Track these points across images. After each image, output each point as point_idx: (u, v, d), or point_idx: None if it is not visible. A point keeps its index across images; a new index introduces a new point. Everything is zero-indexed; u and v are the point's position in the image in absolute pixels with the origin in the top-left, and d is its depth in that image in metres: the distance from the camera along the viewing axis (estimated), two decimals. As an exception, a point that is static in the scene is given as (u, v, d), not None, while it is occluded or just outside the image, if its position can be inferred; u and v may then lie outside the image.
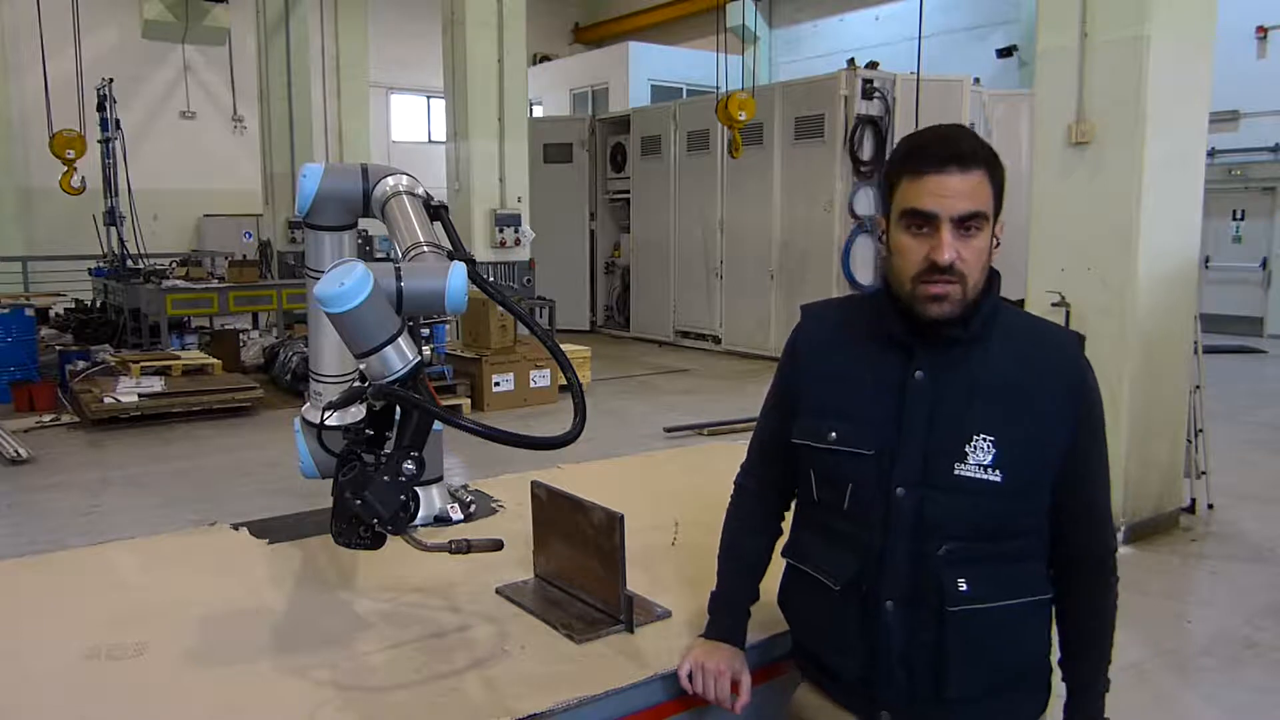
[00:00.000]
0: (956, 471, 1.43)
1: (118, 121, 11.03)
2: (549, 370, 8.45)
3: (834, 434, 1.51)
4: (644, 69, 16.05)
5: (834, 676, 1.57)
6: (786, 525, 1.70)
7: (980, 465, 1.42)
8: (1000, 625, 1.46)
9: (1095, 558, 1.55)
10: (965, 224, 1.41)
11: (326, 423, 1.61)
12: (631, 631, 1.67)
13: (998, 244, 1.48)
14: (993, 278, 1.50)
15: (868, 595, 1.49)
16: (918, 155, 1.43)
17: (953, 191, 1.39)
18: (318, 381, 2.12)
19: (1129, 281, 4.69)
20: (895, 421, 1.47)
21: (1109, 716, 1.55)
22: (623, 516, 1.66)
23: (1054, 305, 4.81)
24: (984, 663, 1.46)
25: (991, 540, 1.45)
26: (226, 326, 11.27)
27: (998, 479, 1.42)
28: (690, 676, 1.54)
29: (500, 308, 2.16)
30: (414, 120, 19.86)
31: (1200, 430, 5.29)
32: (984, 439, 1.43)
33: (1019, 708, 1.53)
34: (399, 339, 1.43)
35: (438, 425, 1.89)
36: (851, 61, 10.24)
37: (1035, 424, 1.45)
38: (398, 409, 1.47)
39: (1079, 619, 1.55)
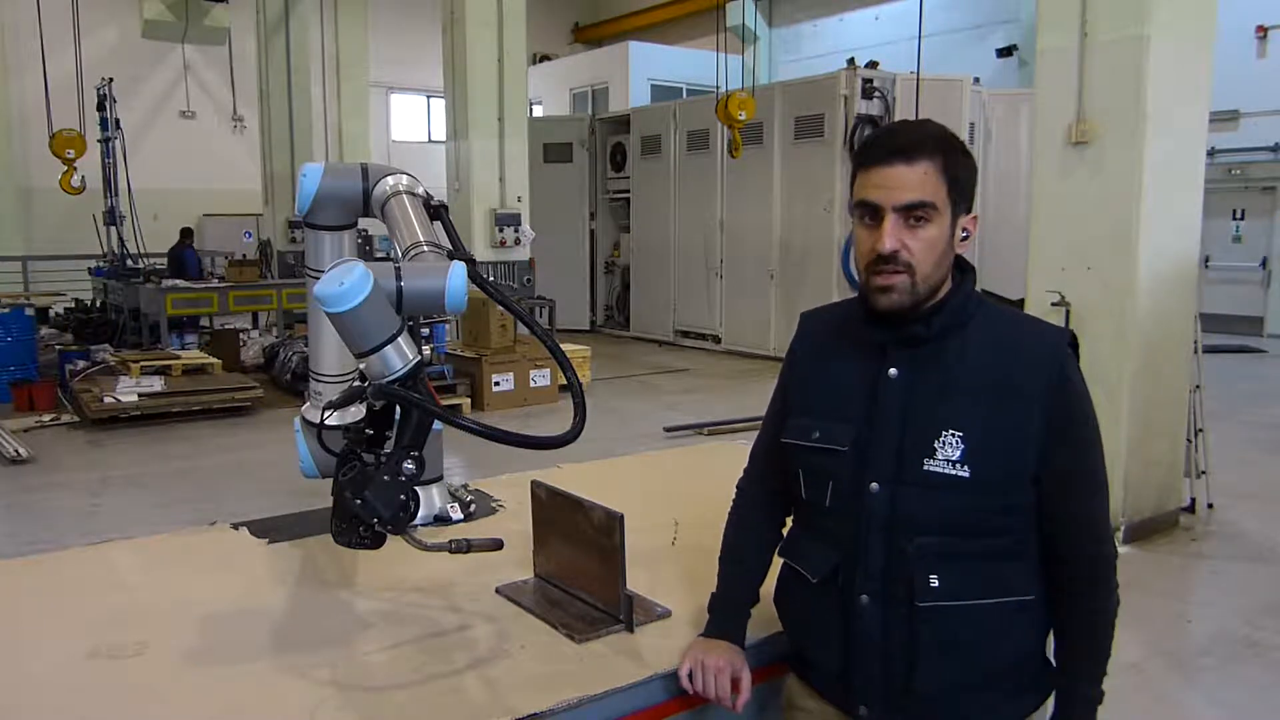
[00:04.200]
0: (926, 467, 1.44)
1: (118, 121, 11.04)
2: (549, 370, 8.46)
3: (817, 433, 1.54)
4: (644, 69, 16.05)
5: (816, 669, 1.60)
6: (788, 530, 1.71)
7: (949, 461, 1.43)
8: (976, 623, 1.45)
9: (1086, 560, 1.51)
10: (911, 214, 1.43)
11: (326, 422, 1.61)
12: (631, 631, 1.67)
13: (965, 236, 1.49)
14: (966, 273, 1.52)
15: (844, 589, 1.51)
16: (868, 149, 1.48)
17: (895, 182, 1.42)
18: (318, 381, 2.11)
19: (1129, 281, 4.69)
20: (871, 419, 1.50)
21: None
22: (623, 516, 1.66)
23: (1054, 305, 4.81)
24: (957, 660, 1.46)
25: (965, 537, 1.46)
26: (226, 326, 11.27)
27: (965, 474, 1.43)
28: (690, 675, 1.54)
29: (500, 307, 2.16)
30: (414, 120, 19.87)
31: (1200, 430, 5.29)
32: (953, 435, 1.44)
33: (999, 708, 1.51)
34: (399, 339, 1.43)
35: (438, 425, 1.89)
36: (851, 61, 10.24)
37: (1007, 420, 1.44)
38: (398, 408, 1.47)
39: (1068, 621, 1.54)
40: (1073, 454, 1.47)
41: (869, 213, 1.46)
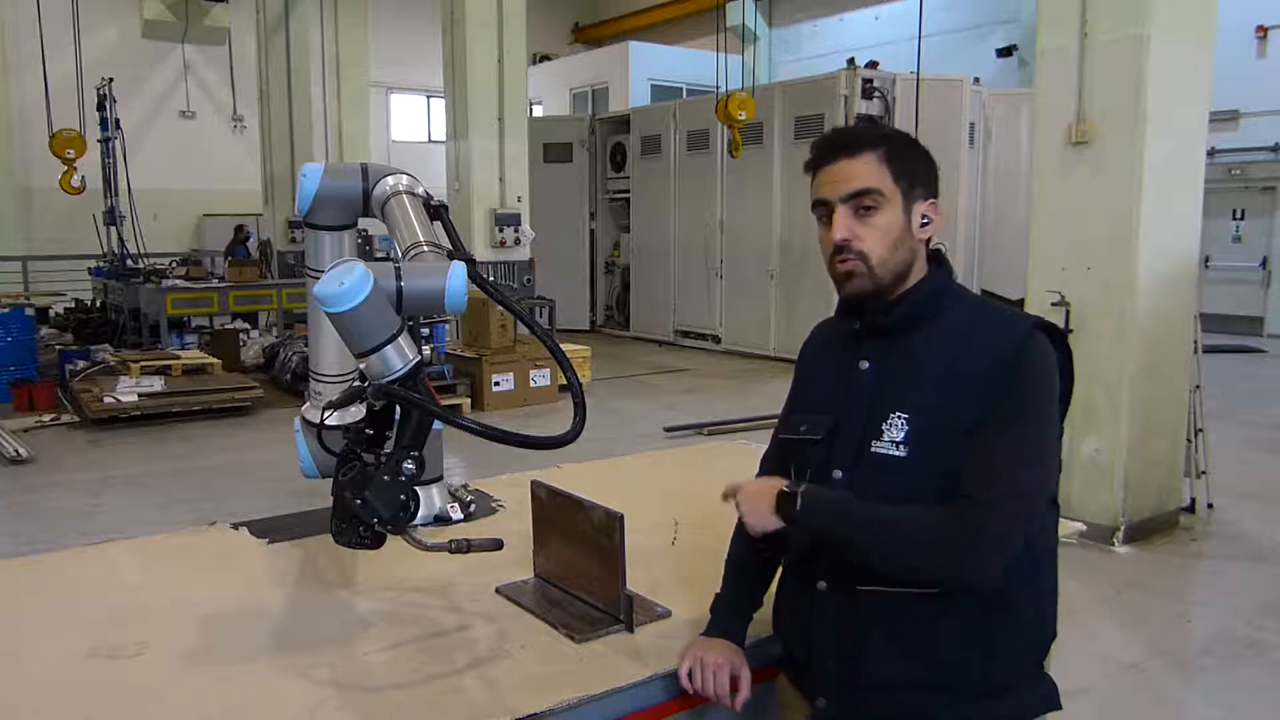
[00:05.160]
0: (873, 449, 1.48)
1: (117, 121, 11.04)
2: (549, 370, 8.45)
3: (804, 426, 1.60)
4: (644, 69, 16.05)
5: (792, 662, 1.63)
6: None
7: (893, 442, 1.46)
8: (921, 616, 1.45)
9: (969, 497, 1.39)
10: (858, 203, 1.49)
11: (326, 422, 1.61)
12: (631, 631, 1.67)
13: (927, 222, 1.52)
14: (940, 266, 1.56)
15: (808, 576, 1.55)
16: (814, 153, 1.55)
17: (838, 176, 1.50)
18: (318, 381, 2.11)
19: (1129, 281, 4.69)
20: (842, 409, 1.55)
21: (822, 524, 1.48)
22: (623, 516, 1.66)
23: (1054, 305, 4.81)
24: (903, 652, 1.46)
25: None
26: (226, 326, 11.27)
27: (902, 454, 1.45)
28: (690, 674, 1.54)
29: (500, 307, 2.16)
30: (414, 120, 19.86)
31: (1200, 430, 5.29)
32: (900, 417, 1.46)
33: (955, 711, 1.47)
34: (399, 339, 1.43)
35: (438, 425, 1.89)
36: (851, 61, 10.24)
37: (953, 398, 1.43)
38: (398, 408, 1.47)
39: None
40: (998, 422, 1.41)
41: (824, 211, 1.52)
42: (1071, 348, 1.53)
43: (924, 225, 1.53)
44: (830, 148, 1.53)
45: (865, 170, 1.48)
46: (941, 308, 1.52)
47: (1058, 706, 1.56)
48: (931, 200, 1.54)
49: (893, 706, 1.48)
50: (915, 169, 1.52)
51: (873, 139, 1.51)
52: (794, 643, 1.61)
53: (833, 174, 1.51)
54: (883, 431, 1.47)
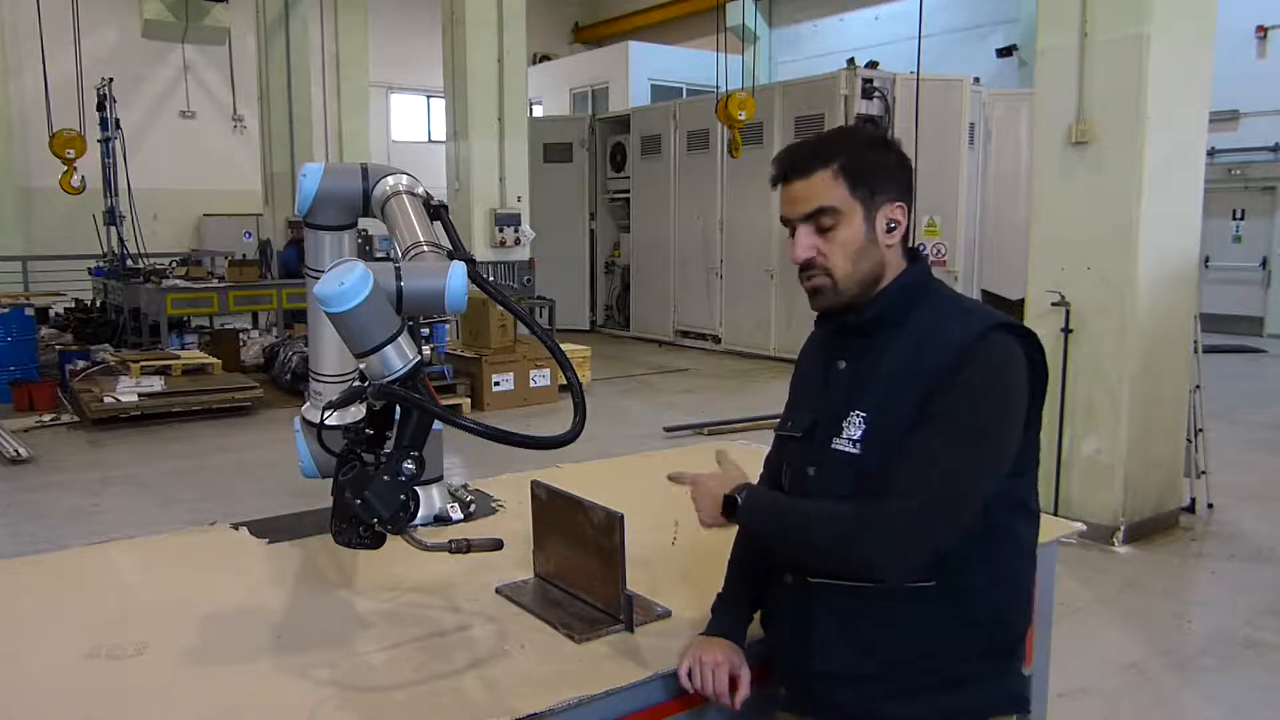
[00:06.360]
0: (832, 446, 1.50)
1: (117, 121, 11.03)
2: (549, 370, 8.46)
3: (790, 423, 1.64)
4: (644, 69, 16.03)
5: (773, 655, 1.66)
6: None
7: (850, 440, 1.48)
8: (870, 608, 1.47)
9: (888, 495, 1.40)
10: (817, 221, 1.50)
11: (326, 422, 1.61)
12: (631, 631, 1.67)
13: (894, 226, 1.51)
14: (915, 263, 1.55)
15: (780, 569, 1.59)
16: (773, 170, 1.56)
17: (794, 197, 1.52)
18: (318, 381, 2.11)
19: (1129, 281, 4.69)
20: (820, 407, 1.57)
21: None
22: (623, 516, 1.66)
23: (1054, 305, 4.81)
24: (851, 644, 1.48)
25: None
26: (226, 326, 11.26)
27: (856, 451, 1.47)
28: (690, 673, 1.55)
29: (500, 307, 2.16)
30: (414, 120, 19.85)
31: (1200, 430, 5.29)
32: (859, 415, 1.49)
33: (904, 704, 1.48)
34: (399, 338, 1.43)
35: (438, 425, 1.89)
36: (851, 61, 10.24)
37: (907, 396, 1.44)
38: (397, 408, 1.47)
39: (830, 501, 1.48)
40: (931, 420, 1.41)
41: (788, 228, 1.55)
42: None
43: (890, 230, 1.51)
44: (782, 171, 1.53)
45: (820, 188, 1.48)
46: (915, 305, 1.52)
47: (1025, 710, 1.55)
48: (899, 203, 1.51)
49: (842, 697, 1.50)
50: (876, 176, 1.49)
51: (826, 154, 1.49)
52: (770, 634, 1.65)
53: (790, 194, 1.52)
54: (842, 429, 1.49)
